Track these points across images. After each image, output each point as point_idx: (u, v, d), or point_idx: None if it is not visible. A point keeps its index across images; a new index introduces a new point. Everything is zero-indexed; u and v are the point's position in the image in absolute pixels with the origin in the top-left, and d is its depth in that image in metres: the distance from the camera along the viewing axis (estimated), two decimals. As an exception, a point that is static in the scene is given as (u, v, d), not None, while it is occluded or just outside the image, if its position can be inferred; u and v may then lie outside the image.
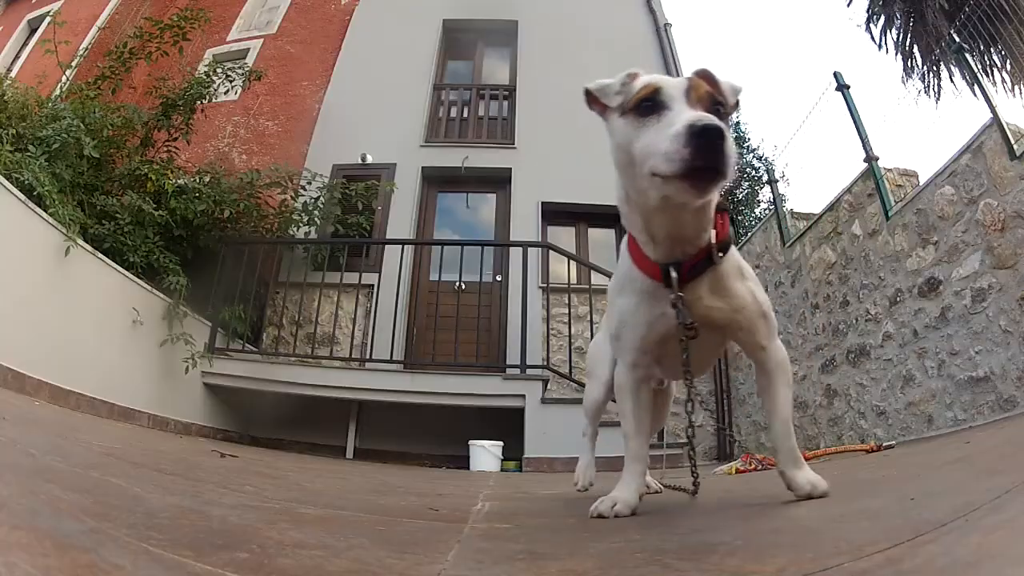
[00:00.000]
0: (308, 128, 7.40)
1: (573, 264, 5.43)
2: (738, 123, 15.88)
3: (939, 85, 9.17)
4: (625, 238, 1.30)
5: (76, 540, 0.62)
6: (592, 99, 1.21)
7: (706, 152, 0.93)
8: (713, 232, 1.17)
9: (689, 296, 1.17)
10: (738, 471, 3.05)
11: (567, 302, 5.33)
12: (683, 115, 0.98)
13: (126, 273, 4.15)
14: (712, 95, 1.09)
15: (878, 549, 0.67)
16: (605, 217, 6.85)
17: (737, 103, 1.19)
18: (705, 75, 1.14)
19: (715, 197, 1.12)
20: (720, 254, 1.17)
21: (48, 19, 5.98)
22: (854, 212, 4.44)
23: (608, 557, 0.82)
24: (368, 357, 5.08)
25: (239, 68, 5.94)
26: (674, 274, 1.15)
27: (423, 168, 7.00)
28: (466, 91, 7.92)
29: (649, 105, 1.05)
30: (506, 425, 4.46)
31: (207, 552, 0.68)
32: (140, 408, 4.03)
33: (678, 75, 7.03)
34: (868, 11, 9.76)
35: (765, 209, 13.98)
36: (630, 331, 1.28)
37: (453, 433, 4.65)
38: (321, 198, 5.93)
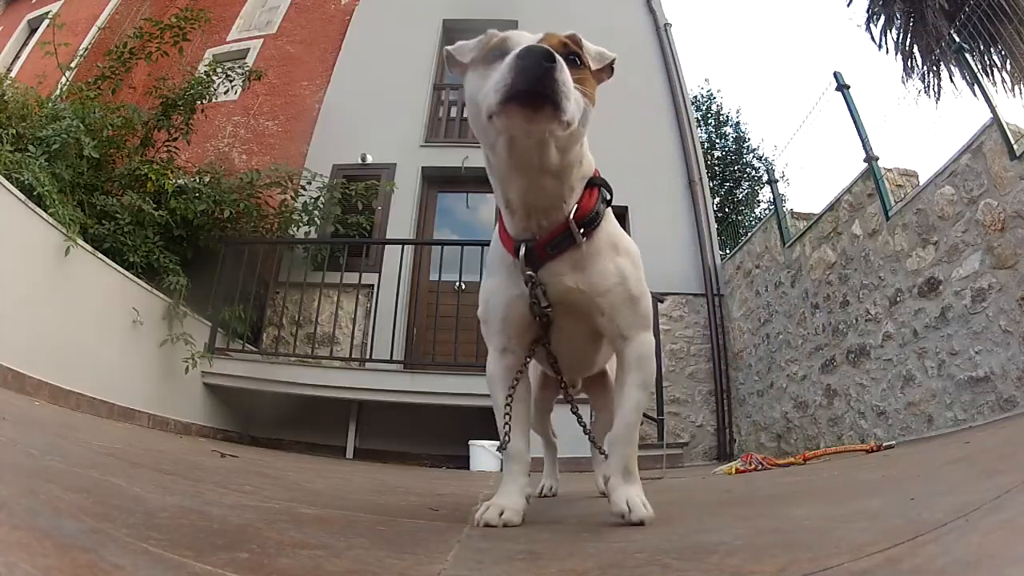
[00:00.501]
0: (308, 128, 7.40)
1: (573, 264, 5.42)
2: (738, 123, 15.92)
3: (939, 85, 9.17)
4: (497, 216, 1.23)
5: (76, 540, 0.62)
6: (451, 61, 1.14)
7: (530, 75, 0.89)
8: (576, 207, 1.10)
9: (547, 276, 1.10)
10: (738, 471, 3.05)
11: (567, 302, 5.32)
12: (510, 53, 0.93)
13: (126, 273, 4.15)
14: (567, 45, 1.04)
15: (878, 549, 0.68)
16: (605, 217, 6.85)
17: (609, 70, 1.15)
18: (570, 36, 1.10)
19: (579, 164, 1.08)
20: (581, 231, 1.09)
21: (48, 20, 5.98)
22: (854, 212, 4.44)
23: (608, 557, 0.82)
24: (368, 357, 5.08)
25: (239, 68, 5.94)
26: (523, 249, 1.09)
27: (423, 168, 7.00)
28: (466, 91, 7.92)
29: (497, 54, 1.00)
30: (506, 425, 4.45)
31: (207, 552, 0.68)
32: (140, 408, 4.03)
33: (678, 76, 6.97)
34: (868, 11, 9.76)
35: (765, 209, 14.00)
36: (493, 313, 1.19)
37: (453, 433, 4.64)
38: (321, 198, 5.93)
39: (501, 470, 1.75)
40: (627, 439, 1.13)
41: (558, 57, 0.91)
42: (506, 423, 1.20)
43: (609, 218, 1.17)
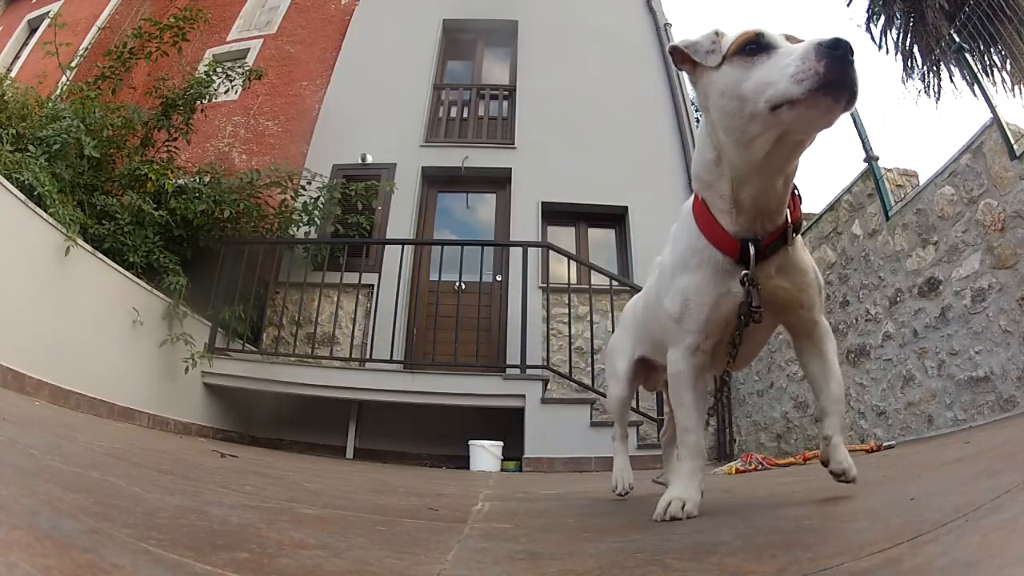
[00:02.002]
0: (308, 128, 7.40)
1: (573, 264, 5.43)
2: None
3: (939, 85, 9.16)
4: (687, 208, 1.24)
5: (76, 540, 0.62)
6: (681, 57, 1.14)
7: (841, 65, 0.90)
8: (788, 211, 1.14)
9: (759, 275, 1.13)
10: (738, 471, 3.05)
11: (567, 302, 5.33)
12: (800, 44, 0.95)
13: (126, 273, 4.15)
14: None
15: (878, 549, 0.67)
16: (605, 217, 6.85)
17: None
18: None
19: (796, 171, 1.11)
20: (794, 235, 1.15)
21: (48, 20, 5.98)
22: (854, 212, 4.44)
23: (608, 557, 0.82)
24: (368, 357, 5.08)
25: (239, 68, 5.94)
26: (752, 249, 1.11)
27: (423, 168, 7.00)
28: (466, 91, 7.92)
29: (754, 47, 1.01)
30: (506, 425, 4.46)
31: (207, 552, 0.68)
32: (140, 408, 4.03)
33: (678, 76, 6.97)
34: (868, 11, 9.76)
35: (765, 209, 13.97)
36: (694, 312, 1.18)
37: (453, 433, 4.65)
38: (321, 198, 5.93)
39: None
40: (842, 398, 1.24)
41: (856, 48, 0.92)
42: (695, 420, 1.24)
43: None
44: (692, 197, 1.23)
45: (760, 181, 1.08)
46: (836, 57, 0.90)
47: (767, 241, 1.12)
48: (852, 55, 0.90)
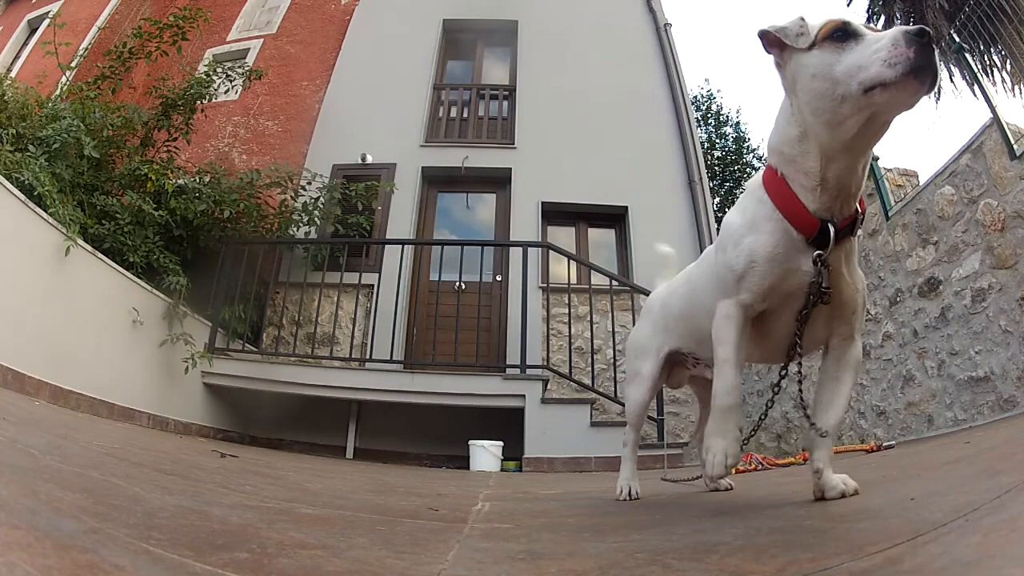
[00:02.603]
0: (308, 128, 7.40)
1: (573, 264, 5.43)
2: (738, 123, 15.94)
3: (939, 85, 9.17)
4: (757, 180, 1.25)
5: (76, 540, 0.62)
6: (770, 42, 1.18)
7: (927, 52, 0.98)
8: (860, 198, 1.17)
9: (831, 260, 1.15)
10: (738, 471, 3.05)
11: (567, 302, 5.33)
12: (888, 32, 1.02)
13: (126, 273, 4.15)
14: None
15: (878, 549, 0.68)
16: (605, 217, 6.85)
17: None
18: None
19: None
20: (859, 226, 1.17)
21: (48, 20, 5.98)
22: (854, 212, 4.44)
23: (608, 557, 0.82)
24: (368, 357, 5.08)
25: (239, 68, 5.93)
26: (832, 231, 1.13)
27: (423, 168, 7.00)
28: (466, 91, 7.92)
29: (841, 34, 1.07)
30: (506, 425, 4.46)
31: (207, 552, 0.68)
32: (140, 408, 4.03)
33: (678, 76, 6.98)
34: (868, 11, 9.77)
35: (765, 209, 13.98)
36: (758, 275, 1.19)
37: (453, 433, 4.64)
38: (321, 198, 5.93)
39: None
40: (836, 432, 1.23)
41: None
42: (735, 356, 1.24)
43: None
44: (762, 171, 1.25)
45: (846, 160, 1.12)
46: (923, 44, 0.98)
47: (843, 223, 1.15)
48: (934, 43, 0.98)
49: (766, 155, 1.24)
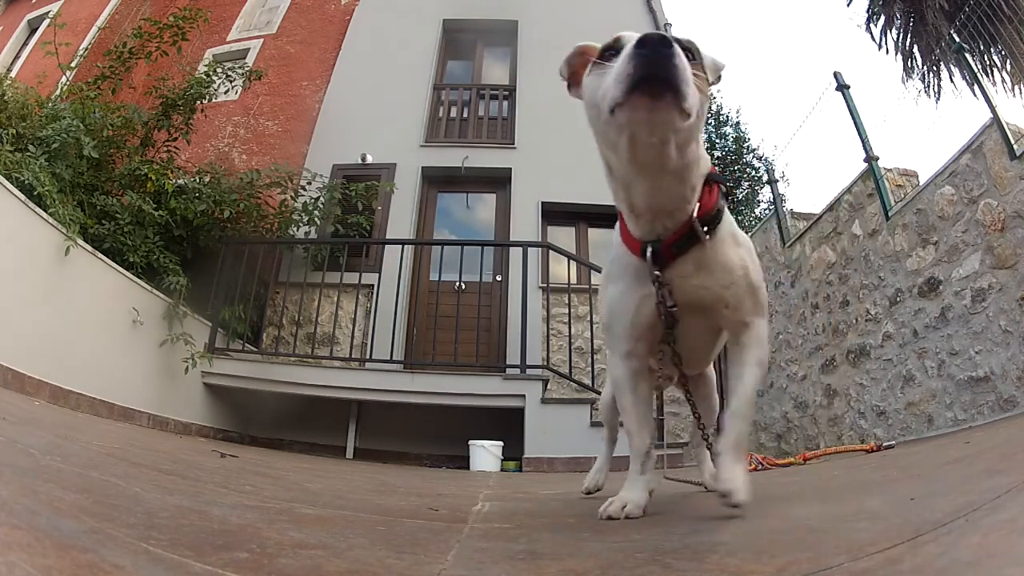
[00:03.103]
0: (308, 128, 7.40)
1: (573, 264, 5.43)
2: (738, 123, 15.93)
3: (939, 85, 9.17)
4: (617, 221, 1.25)
5: (76, 540, 0.62)
6: (562, 77, 1.18)
7: (651, 61, 0.90)
8: (698, 205, 1.11)
9: (674, 275, 1.12)
10: (738, 471, 3.04)
11: (567, 302, 5.32)
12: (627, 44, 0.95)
13: (126, 273, 4.15)
14: (679, 43, 1.03)
15: (878, 549, 0.68)
16: (605, 217, 6.82)
17: (718, 79, 1.15)
18: (687, 40, 1.09)
19: (697, 162, 1.08)
20: (705, 228, 1.11)
21: (48, 20, 5.98)
22: (854, 212, 4.44)
23: (608, 557, 0.82)
24: (368, 357, 5.08)
25: (239, 68, 5.94)
26: (650, 251, 1.11)
27: (423, 168, 7.00)
28: (466, 91, 7.92)
29: (612, 53, 1.01)
30: (506, 425, 4.46)
31: (207, 552, 0.68)
32: (140, 408, 4.03)
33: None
34: (868, 11, 9.76)
35: (765, 209, 14.00)
36: (620, 318, 1.22)
37: (453, 433, 4.65)
38: (321, 198, 5.93)
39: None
40: (744, 414, 1.17)
41: (675, 44, 0.92)
42: (637, 424, 1.25)
43: (725, 214, 1.19)
44: None
45: (643, 182, 1.07)
46: (645, 55, 0.90)
47: (670, 240, 1.11)
48: (667, 48, 0.90)
49: None
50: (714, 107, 15.87)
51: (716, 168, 1.19)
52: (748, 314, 1.18)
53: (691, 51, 1.05)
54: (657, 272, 1.11)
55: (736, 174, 15.17)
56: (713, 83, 1.15)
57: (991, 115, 3.31)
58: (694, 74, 0.96)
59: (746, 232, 7.85)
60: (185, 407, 4.53)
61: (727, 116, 15.87)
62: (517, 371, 4.79)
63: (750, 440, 5.42)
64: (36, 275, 3.41)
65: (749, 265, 1.17)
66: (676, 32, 7.99)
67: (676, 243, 1.11)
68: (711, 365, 1.68)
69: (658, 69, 0.90)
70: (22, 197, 3.33)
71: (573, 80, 1.17)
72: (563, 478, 3.38)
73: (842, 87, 4.68)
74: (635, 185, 1.09)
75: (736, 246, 1.17)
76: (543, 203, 6.69)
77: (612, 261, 1.26)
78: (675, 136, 0.99)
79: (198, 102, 5.45)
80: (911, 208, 3.84)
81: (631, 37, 0.99)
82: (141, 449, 2.14)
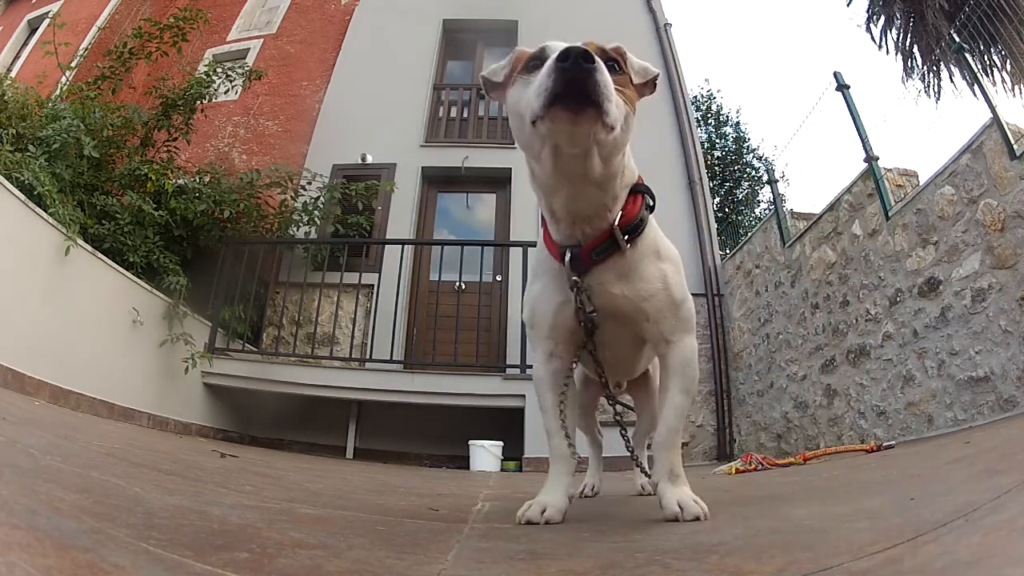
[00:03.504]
0: (308, 128, 7.40)
1: (573, 264, 5.42)
2: (738, 123, 15.92)
3: (939, 85, 9.17)
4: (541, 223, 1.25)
5: (76, 540, 0.62)
6: (488, 85, 1.16)
7: (570, 76, 0.89)
8: (620, 214, 1.11)
9: (593, 282, 1.12)
10: (738, 471, 3.05)
11: (567, 302, 5.32)
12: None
13: (126, 273, 4.15)
14: (605, 52, 1.04)
15: (878, 549, 0.68)
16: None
17: (652, 85, 1.15)
18: (615, 47, 1.09)
19: (622, 172, 1.08)
20: (626, 237, 1.10)
21: (48, 20, 5.98)
22: (854, 212, 4.44)
23: (608, 557, 0.82)
24: (368, 357, 5.08)
25: (239, 68, 5.94)
26: (568, 256, 1.10)
27: (423, 168, 7.00)
28: (466, 91, 7.92)
29: (535, 64, 1.00)
30: (506, 425, 4.46)
31: (207, 552, 0.68)
32: (140, 408, 4.03)
33: (678, 76, 6.95)
34: (868, 11, 9.76)
35: (765, 209, 14.00)
36: (540, 318, 1.21)
37: (453, 433, 4.65)
38: (321, 198, 5.93)
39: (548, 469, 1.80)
40: (670, 444, 1.16)
41: (597, 58, 0.91)
42: (556, 425, 1.22)
43: (652, 224, 1.18)
44: None
45: (565, 189, 1.07)
46: (565, 69, 0.89)
47: (590, 246, 1.11)
48: (588, 62, 0.89)
49: None
50: (714, 107, 15.87)
51: (643, 179, 1.20)
52: (670, 331, 1.16)
53: (617, 61, 1.06)
54: (575, 278, 1.10)
55: (736, 174, 15.17)
56: (647, 92, 1.15)
57: (991, 115, 3.31)
58: (618, 89, 0.97)
59: (746, 232, 7.85)
60: (185, 407, 4.53)
61: (727, 116, 15.86)
62: (517, 371, 4.79)
63: (751, 440, 5.42)
64: (36, 275, 3.42)
65: (671, 279, 1.16)
66: (675, 32, 7.99)
67: (595, 249, 1.11)
68: (653, 373, 1.66)
69: (578, 84, 0.90)
70: (22, 197, 3.33)
71: (491, 91, 1.16)
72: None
73: (842, 87, 4.68)
74: (556, 192, 1.08)
75: (658, 259, 1.17)
76: (543, 203, 6.69)
77: (535, 262, 1.26)
78: (599, 148, 0.99)
79: (198, 102, 5.45)
80: (911, 208, 3.84)
81: (555, 47, 0.98)
82: (141, 449, 2.14)
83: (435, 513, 1.39)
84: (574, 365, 1.27)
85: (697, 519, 1.05)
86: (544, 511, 1.12)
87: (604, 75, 0.91)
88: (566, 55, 0.90)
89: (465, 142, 7.35)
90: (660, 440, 1.16)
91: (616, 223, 1.10)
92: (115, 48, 5.65)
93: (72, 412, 3.26)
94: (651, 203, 1.18)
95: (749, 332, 5.77)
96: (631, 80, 1.08)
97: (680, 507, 1.07)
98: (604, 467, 2.07)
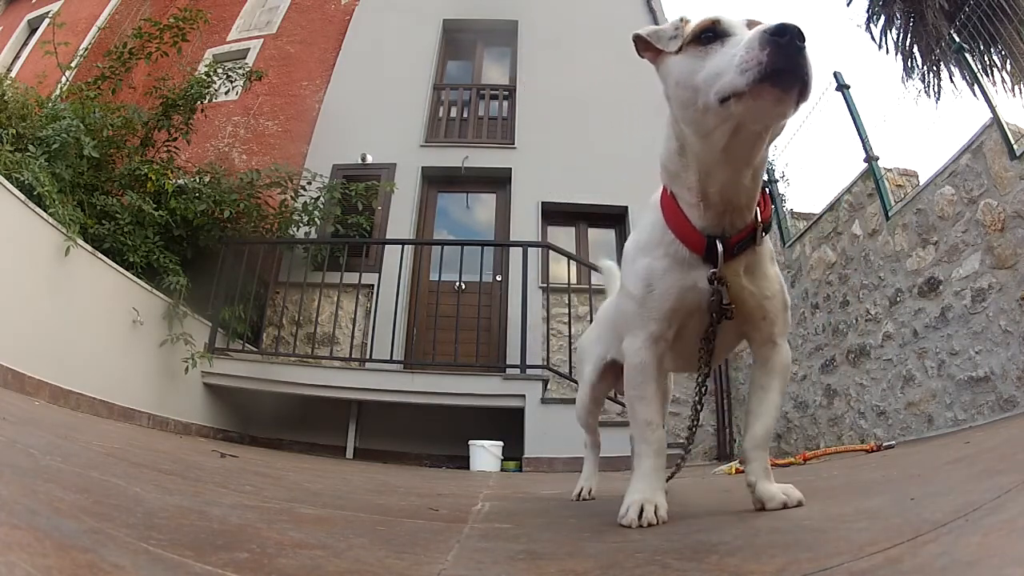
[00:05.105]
0: (308, 128, 7.40)
1: (573, 264, 5.43)
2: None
3: (939, 85, 9.17)
4: (656, 198, 1.20)
5: (76, 540, 0.62)
6: (644, 46, 1.11)
7: (787, 53, 0.85)
8: (758, 209, 1.09)
9: (729, 273, 1.08)
10: (738, 471, 3.04)
11: (567, 302, 5.33)
12: (750, 32, 0.89)
13: (126, 273, 4.15)
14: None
15: (878, 549, 0.68)
16: (605, 217, 6.85)
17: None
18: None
19: (765, 163, 1.06)
20: (764, 234, 1.10)
21: (48, 20, 5.98)
22: (854, 212, 4.44)
23: (608, 557, 0.82)
24: (368, 357, 5.08)
25: (239, 68, 5.94)
26: (720, 248, 1.06)
27: (423, 168, 7.00)
28: (466, 91, 7.92)
29: (710, 35, 0.96)
30: (506, 425, 4.46)
31: (207, 552, 0.68)
32: (140, 408, 4.03)
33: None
34: (868, 11, 9.75)
35: (765, 209, 13.97)
36: (658, 298, 1.13)
37: (453, 433, 4.65)
38: (321, 198, 5.93)
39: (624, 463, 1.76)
40: (766, 443, 1.15)
41: (807, 34, 0.87)
42: (656, 415, 1.17)
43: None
44: (660, 189, 1.21)
45: (726, 174, 1.03)
46: (781, 45, 0.85)
47: (736, 238, 1.08)
48: (801, 41, 0.86)
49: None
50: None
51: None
52: (779, 332, 1.16)
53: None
54: (715, 271, 1.07)
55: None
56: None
57: (991, 115, 3.31)
58: None
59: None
60: (185, 407, 4.53)
61: (727, 116, 15.83)
62: (517, 371, 4.79)
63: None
64: (36, 275, 3.41)
65: (782, 282, 1.18)
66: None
67: (741, 242, 1.08)
68: None
69: (794, 62, 0.86)
70: (22, 197, 3.33)
71: (648, 51, 1.12)
72: (563, 478, 3.37)
73: (842, 87, 4.68)
74: (716, 175, 1.04)
75: (772, 261, 1.17)
76: (543, 203, 6.69)
77: (651, 239, 1.17)
78: (771, 136, 0.99)
79: (198, 102, 5.45)
80: (911, 208, 3.84)
81: (731, 23, 0.96)
82: (141, 449, 2.14)
83: (435, 513, 1.39)
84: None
85: (800, 504, 1.09)
86: (656, 510, 1.06)
87: (810, 56, 0.87)
88: (782, 30, 0.85)
89: (465, 142, 7.35)
90: (759, 440, 1.15)
91: (759, 216, 1.09)
92: (115, 48, 5.65)
93: (72, 412, 3.26)
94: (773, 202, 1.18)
95: (749, 332, 5.76)
96: None
97: (786, 494, 1.10)
98: (604, 467, 2.05)
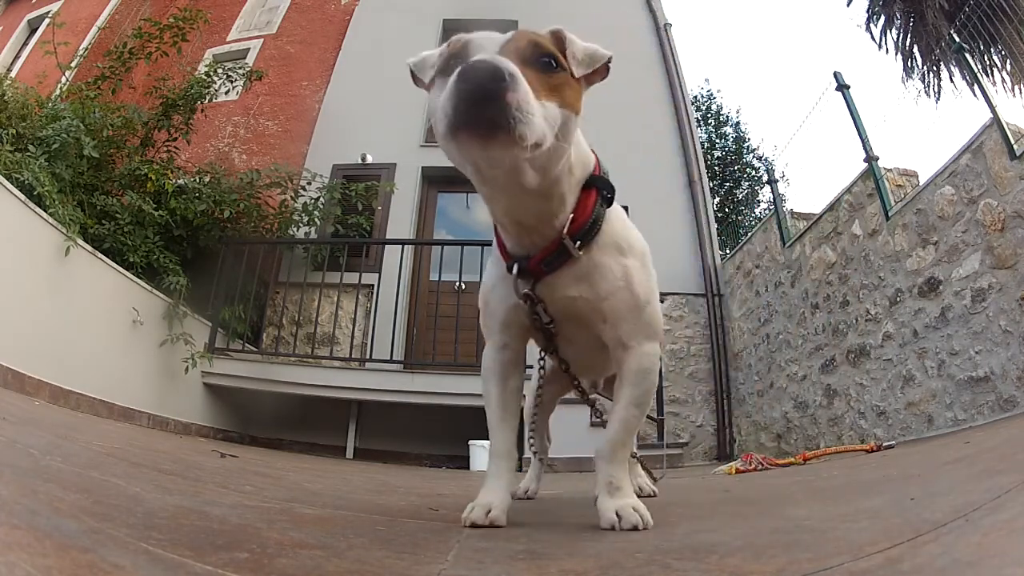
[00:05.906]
0: (308, 128, 7.40)
1: (573, 264, 5.42)
2: (738, 123, 15.92)
3: (939, 85, 9.17)
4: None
5: (76, 540, 0.62)
6: (415, 78, 1.04)
7: (471, 102, 0.76)
8: (571, 217, 1.00)
9: (545, 290, 1.03)
10: (738, 471, 3.05)
11: (567, 302, 5.32)
12: (454, 72, 0.79)
13: (126, 273, 4.15)
14: (538, 48, 0.92)
15: (878, 549, 0.68)
16: (605, 217, 6.85)
17: (604, 70, 1.05)
18: (553, 31, 0.99)
19: (568, 174, 0.97)
20: (577, 243, 0.99)
21: (48, 20, 5.98)
22: (854, 212, 4.44)
23: (608, 557, 0.82)
24: (368, 357, 5.08)
25: (239, 68, 5.94)
26: (515, 271, 1.02)
27: (423, 168, 7.00)
28: (466, 91, 7.91)
29: (456, 63, 0.85)
30: (506, 425, 4.45)
31: (207, 552, 0.68)
32: (140, 408, 4.03)
33: (678, 76, 6.95)
34: (868, 11, 9.76)
35: (765, 209, 14.00)
36: (492, 313, 1.16)
37: (453, 433, 4.65)
38: (321, 198, 5.93)
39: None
40: (611, 456, 1.07)
41: (510, 74, 0.77)
42: (500, 418, 1.17)
43: (612, 217, 1.07)
44: None
45: (503, 201, 0.98)
46: (466, 92, 0.76)
47: (539, 257, 1.01)
48: (493, 82, 0.76)
49: None
50: (714, 107, 15.88)
51: (600, 164, 1.10)
52: (629, 334, 1.05)
53: (553, 56, 0.93)
54: (527, 291, 1.02)
55: (736, 174, 15.17)
56: (597, 79, 1.04)
57: (991, 115, 3.31)
58: (553, 90, 0.87)
59: (746, 232, 7.82)
60: (185, 407, 4.53)
61: (727, 116, 15.87)
62: (517, 371, 4.78)
63: (751, 440, 5.42)
64: (36, 275, 3.42)
65: (635, 275, 1.05)
66: (675, 32, 7.99)
67: (544, 260, 1.01)
68: None
69: (479, 111, 0.76)
70: (22, 197, 3.33)
71: (418, 83, 1.05)
72: (563, 478, 3.38)
73: (842, 87, 4.68)
74: (495, 201, 0.99)
75: (621, 254, 1.06)
76: (543, 203, 6.69)
77: (494, 257, 1.16)
78: (529, 163, 0.87)
79: (198, 102, 5.45)
80: (911, 208, 3.84)
81: (480, 47, 0.88)
82: (141, 449, 2.14)
83: (435, 513, 1.39)
84: (541, 365, 1.22)
85: (635, 528, 0.97)
86: (489, 512, 1.05)
87: (518, 93, 0.77)
88: (467, 74, 0.76)
89: (465, 142, 7.35)
90: (601, 452, 1.08)
91: (566, 230, 0.99)
92: (115, 48, 5.65)
93: (72, 412, 3.26)
94: (608, 195, 1.06)
95: (749, 332, 5.77)
96: (572, 75, 0.96)
97: (618, 515, 1.00)
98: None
